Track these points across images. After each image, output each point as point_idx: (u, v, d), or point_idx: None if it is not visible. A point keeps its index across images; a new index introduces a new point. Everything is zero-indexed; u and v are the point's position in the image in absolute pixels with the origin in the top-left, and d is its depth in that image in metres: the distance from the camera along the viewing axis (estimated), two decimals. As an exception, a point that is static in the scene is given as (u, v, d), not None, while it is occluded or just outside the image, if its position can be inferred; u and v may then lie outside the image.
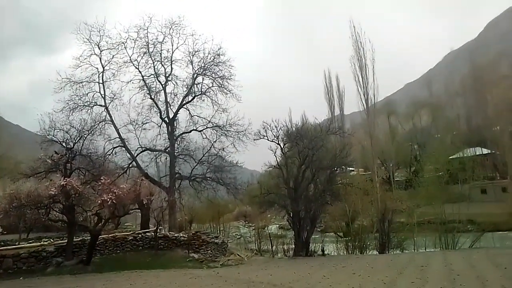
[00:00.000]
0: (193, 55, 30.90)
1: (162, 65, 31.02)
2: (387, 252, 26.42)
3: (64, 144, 21.92)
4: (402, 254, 25.35)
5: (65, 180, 18.42)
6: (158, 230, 24.90)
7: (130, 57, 30.32)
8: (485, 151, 60.56)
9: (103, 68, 29.79)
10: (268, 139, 27.06)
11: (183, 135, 30.84)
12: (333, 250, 29.23)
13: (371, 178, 34.83)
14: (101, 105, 29.61)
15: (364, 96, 32.24)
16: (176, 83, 31.24)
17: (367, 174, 45.78)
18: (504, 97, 55.68)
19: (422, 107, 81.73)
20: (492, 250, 21.69)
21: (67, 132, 22.48)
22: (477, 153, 58.37)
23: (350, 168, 46.85)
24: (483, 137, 63.79)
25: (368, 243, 28.04)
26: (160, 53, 30.87)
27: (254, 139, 28.26)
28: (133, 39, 30.27)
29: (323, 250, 28.19)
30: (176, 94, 31.19)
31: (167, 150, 30.11)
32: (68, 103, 28.30)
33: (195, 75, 30.90)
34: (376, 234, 27.91)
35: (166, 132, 30.66)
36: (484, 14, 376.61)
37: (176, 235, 25.17)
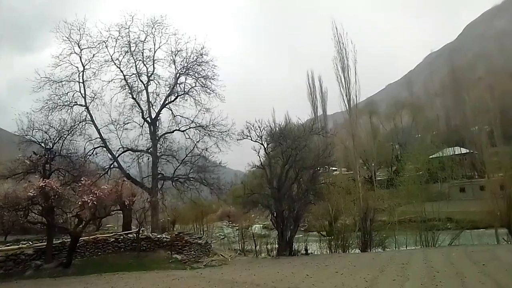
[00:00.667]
0: (175, 55, 30.67)
1: (144, 64, 30.69)
2: (369, 250, 26.76)
3: (43, 144, 21.49)
4: (384, 252, 25.74)
5: (44, 181, 18.03)
6: (140, 231, 24.60)
7: (111, 56, 29.90)
8: (463, 150, 61.95)
9: (84, 67, 29.30)
10: (251, 139, 27.13)
11: (166, 135, 30.55)
12: (316, 249, 29.44)
13: (353, 178, 35.15)
14: (81, 105, 29.10)
15: (347, 97, 32.49)
16: (158, 82, 30.96)
17: (349, 174, 46.22)
18: (481, 98, 57.18)
19: (403, 107, 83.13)
20: (470, 247, 22.21)
21: (46, 132, 22.04)
22: (456, 153, 59.70)
23: (333, 168, 47.17)
24: (462, 136, 65.31)
25: (351, 241, 28.34)
26: (142, 52, 30.54)
27: (238, 139, 28.31)
28: (114, 38, 29.86)
29: (306, 249, 28.39)
30: (159, 94, 30.91)
31: (149, 151, 29.77)
32: (47, 103, 27.73)
33: (178, 74, 30.66)
34: (358, 233, 28.24)
35: (148, 132, 30.32)
36: (463, 17, 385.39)
37: (158, 236, 24.94)
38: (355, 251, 27.44)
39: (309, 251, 28.31)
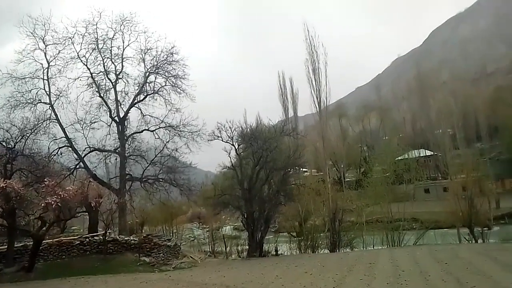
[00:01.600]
0: (145, 53, 30.10)
1: (113, 62, 29.93)
2: (337, 250, 27.24)
3: (4, 143, 20.63)
4: (352, 252, 26.28)
5: (5, 182, 17.28)
6: (107, 233, 24.01)
7: (77, 53, 28.99)
8: (428, 152, 64.31)
9: (48, 63, 28.27)
10: (222, 140, 27.05)
11: (134, 135, 29.91)
12: (286, 250, 29.68)
13: (323, 179, 35.70)
14: (45, 103, 28.07)
15: (317, 99, 32.90)
16: (127, 81, 30.23)
17: (319, 175, 46.94)
18: (444, 102, 59.47)
19: (371, 110, 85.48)
20: (434, 246, 23.04)
21: (7, 131, 21.23)
22: (421, 155, 61.91)
23: (303, 169, 47.76)
24: (427, 139, 67.81)
25: (320, 242, 28.76)
26: (111, 50, 29.79)
27: (208, 140, 28.13)
28: (81, 34, 28.95)
29: (276, 250, 28.58)
30: (127, 93, 30.18)
31: (117, 151, 29.07)
32: (9, 100, 26.55)
33: (147, 73, 30.13)
34: (327, 233, 28.69)
35: (116, 132, 29.55)
36: (428, 23, 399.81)
37: (126, 238, 24.39)
38: (324, 251, 27.87)
39: (279, 252, 28.51)
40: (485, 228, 27.41)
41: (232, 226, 45.34)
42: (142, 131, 30.05)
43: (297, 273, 15.86)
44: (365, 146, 77.41)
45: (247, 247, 27.84)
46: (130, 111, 30.02)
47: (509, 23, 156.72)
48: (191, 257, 24.67)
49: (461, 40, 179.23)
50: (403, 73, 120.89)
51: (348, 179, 63.37)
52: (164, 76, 30.17)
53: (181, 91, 29.84)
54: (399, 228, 27.79)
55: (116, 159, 29.70)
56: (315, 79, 32.95)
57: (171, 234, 38.74)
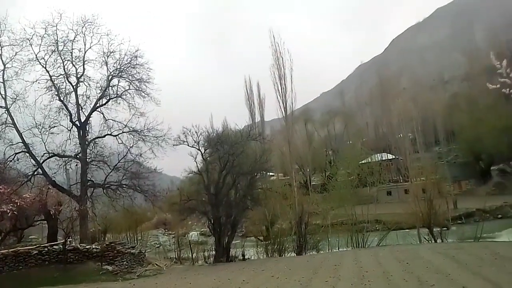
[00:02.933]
0: (108, 56, 29.30)
1: (74, 65, 28.92)
2: (304, 253, 27.49)
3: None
4: (318, 254, 26.60)
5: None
6: (68, 242, 23.10)
7: (36, 55, 27.81)
8: (390, 156, 66.43)
9: (4, 65, 26.97)
10: (188, 145, 26.78)
11: (96, 140, 29.01)
12: (253, 254, 29.64)
13: (289, 183, 36.03)
14: (1, 107, 26.76)
15: (283, 104, 33.24)
16: (89, 84, 29.24)
17: (286, 179, 47.36)
18: (405, 108, 61.66)
19: (336, 115, 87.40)
20: (396, 247, 23.71)
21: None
22: (383, 158, 63.78)
23: (270, 173, 48.03)
24: (388, 143, 70.06)
25: (287, 245, 28.92)
26: (71, 52, 28.78)
27: (174, 145, 27.73)
28: (40, 36, 27.80)
29: (243, 255, 28.48)
30: (89, 97, 29.17)
31: (78, 156, 28.11)
32: (-39, 104, 25.18)
33: (110, 76, 29.34)
34: (294, 237, 28.92)
35: (77, 136, 28.59)
36: (389, 31, 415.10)
37: (88, 246, 23.51)
38: (290, 255, 28.05)
39: (246, 257, 28.43)
40: (443, 228, 28.48)
41: (198, 232, 44.84)
42: (104, 136, 29.19)
43: (264, 277, 15.88)
44: (330, 150, 78.98)
45: (214, 252, 27.60)
46: (92, 115, 29.08)
47: (464, 34, 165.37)
48: (156, 264, 24.18)
49: (420, 48, 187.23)
50: (366, 79, 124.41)
51: (314, 183, 64.28)
52: (128, 80, 29.50)
53: (146, 95, 29.25)
54: (363, 230, 28.41)
55: (76, 165, 28.64)
56: (281, 85, 33.28)
57: (136, 241, 37.86)
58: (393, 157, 66.26)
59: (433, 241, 26.61)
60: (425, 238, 27.59)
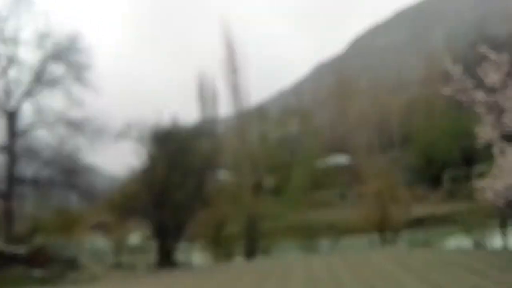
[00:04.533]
0: (45, 38, 28.07)
1: (5, 45, 27.52)
2: (254, 258, 27.75)
3: None
4: (268, 259, 26.95)
5: None
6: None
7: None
8: (346, 159, 68.52)
9: None
10: (132, 140, 26.17)
11: (27, 130, 27.77)
12: (200, 259, 29.51)
13: (241, 184, 36.23)
14: None
15: (237, 101, 33.46)
16: (21, 68, 27.98)
17: (237, 179, 47.48)
18: (361, 110, 64.05)
19: (292, 115, 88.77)
20: (347, 252, 24.57)
21: None
22: (339, 161, 65.75)
23: (221, 173, 47.99)
24: (345, 145, 72.22)
25: (236, 249, 29.08)
26: (3, 32, 27.35)
27: (116, 139, 27.01)
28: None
29: (189, 260, 28.26)
30: (21, 82, 27.93)
31: (4, 148, 26.74)
32: None
33: (46, 60, 28.13)
34: (244, 241, 29.10)
35: (4, 126, 27.21)
36: (349, 31, 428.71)
37: (14, 249, 22.52)
38: (239, 259, 28.20)
39: (192, 261, 28.24)
40: (396, 233, 29.90)
41: (140, 235, 43.86)
42: (36, 127, 27.98)
43: (210, 283, 15.84)
44: (285, 151, 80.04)
45: (156, 257, 27.16)
46: (23, 103, 27.77)
47: (422, 38, 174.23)
48: (91, 269, 23.53)
49: (379, 49, 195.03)
50: (324, 79, 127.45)
51: (267, 184, 64.93)
52: (66, 65, 28.40)
53: (85, 83, 28.29)
54: (315, 234, 29.17)
55: (3, 158, 27.30)
56: (235, 81, 33.46)
57: (69, 245, 36.39)
58: (349, 159, 68.46)
59: (385, 246, 27.80)
60: (376, 243, 28.78)
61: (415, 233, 36.34)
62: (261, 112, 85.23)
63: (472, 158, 54.46)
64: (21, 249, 23.03)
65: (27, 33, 28.02)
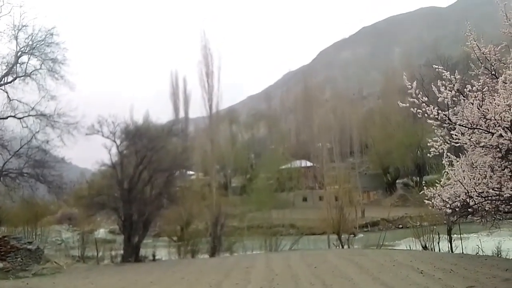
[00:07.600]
0: (19, 30, 26.55)
1: (-24, 35, 25.87)
2: (217, 255, 27.46)
3: None
4: (231, 256, 26.75)
5: None
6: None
7: None
8: (308, 163, 69.29)
9: None
10: (103, 135, 25.35)
11: (-3, 121, 26.20)
12: (165, 255, 28.92)
13: (209, 183, 35.86)
14: None
15: (209, 102, 33.07)
16: (-8, 58, 26.38)
17: (206, 179, 47.03)
18: (325, 118, 64.94)
19: (261, 119, 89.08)
20: (306, 251, 24.72)
21: None
22: (303, 165, 66.42)
23: (190, 172, 47.38)
24: (308, 151, 72.97)
25: (201, 246, 28.70)
26: (-26, 20, 25.71)
27: (87, 134, 25.96)
28: None
29: (154, 255, 27.60)
30: (-8, 72, 26.35)
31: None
32: None
33: (20, 53, 26.64)
34: (209, 238, 28.77)
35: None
36: (317, 43, 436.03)
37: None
38: (204, 256, 27.85)
39: (157, 257, 27.59)
40: (351, 235, 30.37)
41: (107, 230, 42.57)
42: (6, 118, 26.34)
43: (173, 279, 15.49)
44: (253, 153, 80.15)
45: (122, 252, 26.37)
46: (-7, 94, 26.20)
47: (383, 54, 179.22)
48: (56, 262, 22.47)
49: (343, 62, 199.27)
50: (292, 87, 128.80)
51: (234, 185, 64.78)
52: (40, 58, 26.96)
53: (59, 77, 27.01)
54: (277, 233, 29.22)
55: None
56: (208, 83, 33.12)
57: (34, 237, 34.67)
58: (311, 164, 69.23)
59: (340, 247, 28.20)
60: (333, 244, 29.14)
61: (368, 235, 37.20)
62: (231, 114, 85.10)
63: (423, 168, 56.55)
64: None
65: (1, 25, 26.60)
